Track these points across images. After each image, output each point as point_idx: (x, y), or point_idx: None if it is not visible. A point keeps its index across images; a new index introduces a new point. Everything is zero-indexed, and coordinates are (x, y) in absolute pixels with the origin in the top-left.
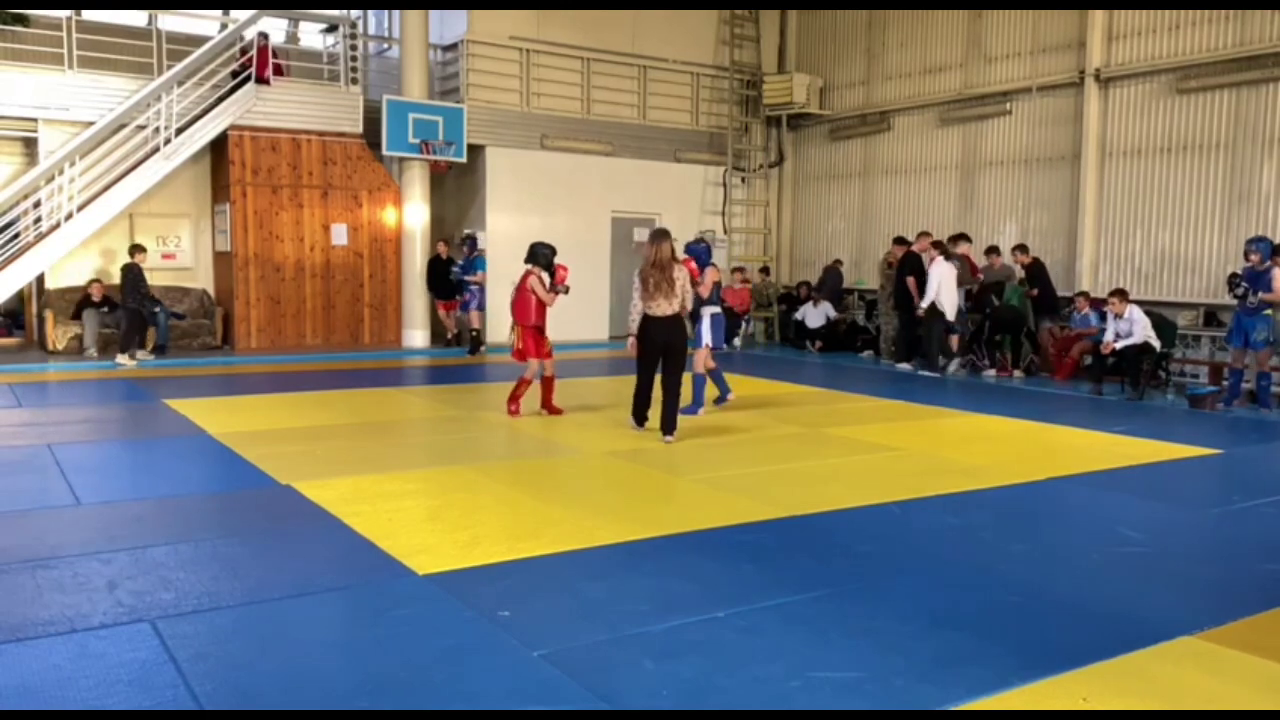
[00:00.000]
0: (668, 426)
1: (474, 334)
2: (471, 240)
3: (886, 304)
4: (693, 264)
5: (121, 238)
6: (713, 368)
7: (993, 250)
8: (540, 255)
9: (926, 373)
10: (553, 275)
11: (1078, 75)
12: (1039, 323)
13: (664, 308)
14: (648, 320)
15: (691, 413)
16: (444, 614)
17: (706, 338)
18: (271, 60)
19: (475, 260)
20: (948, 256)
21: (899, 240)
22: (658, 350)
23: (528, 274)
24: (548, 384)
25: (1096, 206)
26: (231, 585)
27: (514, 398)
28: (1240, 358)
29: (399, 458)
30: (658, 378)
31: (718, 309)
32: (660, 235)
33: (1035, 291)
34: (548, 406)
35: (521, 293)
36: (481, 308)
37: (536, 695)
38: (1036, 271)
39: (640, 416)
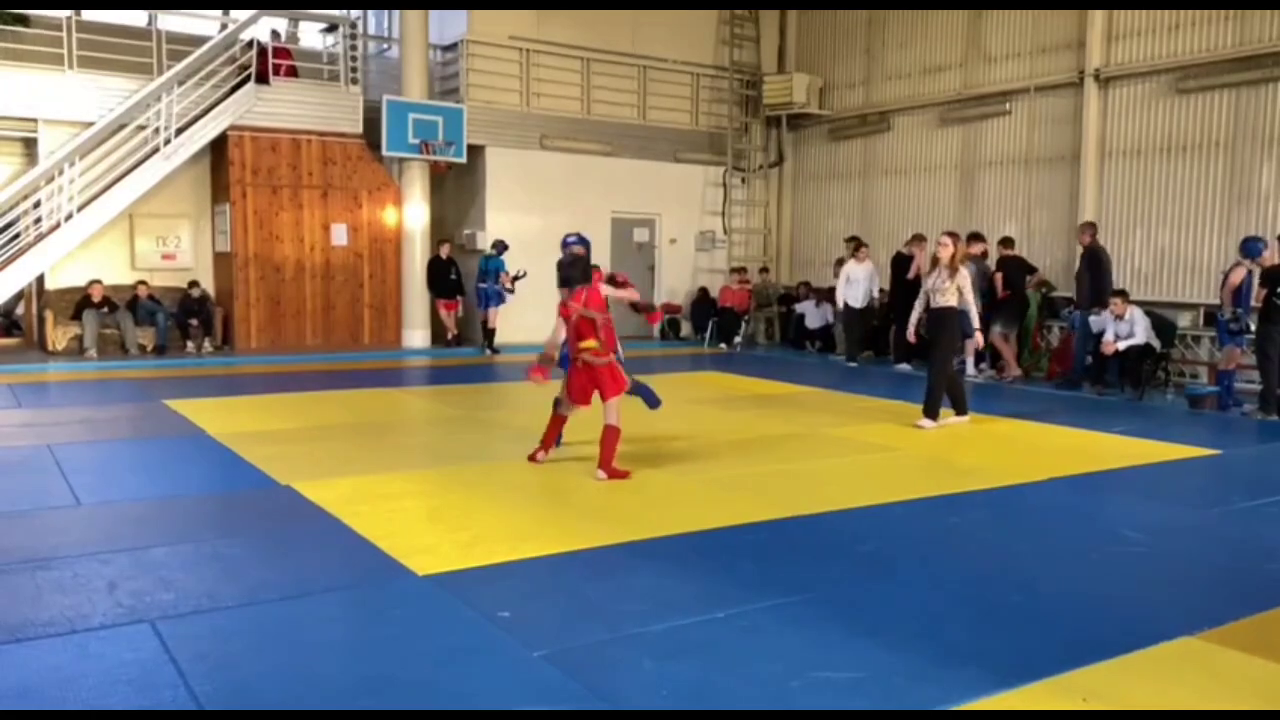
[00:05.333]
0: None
1: (492, 331)
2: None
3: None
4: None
5: (121, 238)
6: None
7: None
8: (578, 275)
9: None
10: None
11: (1077, 75)
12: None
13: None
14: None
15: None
16: (444, 614)
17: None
18: (285, 62)
19: (493, 260)
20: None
21: (852, 239)
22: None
23: (597, 295)
24: (617, 437)
25: (1096, 206)
26: (232, 586)
27: (612, 458)
28: (1238, 358)
29: (399, 458)
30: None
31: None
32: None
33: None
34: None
35: (605, 316)
36: (499, 304)
37: (536, 695)
38: (1011, 268)
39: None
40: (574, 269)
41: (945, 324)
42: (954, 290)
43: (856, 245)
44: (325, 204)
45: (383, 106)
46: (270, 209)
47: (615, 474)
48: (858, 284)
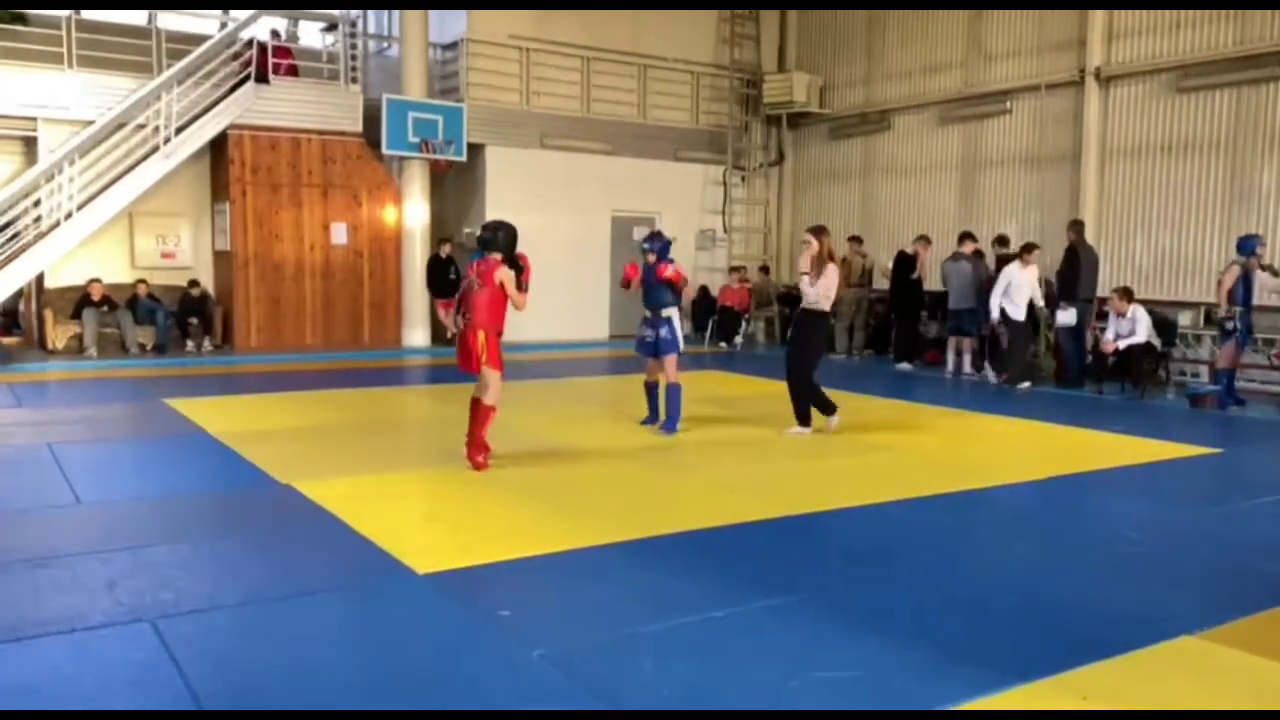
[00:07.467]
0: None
1: None
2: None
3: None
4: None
5: (121, 236)
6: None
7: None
8: (499, 241)
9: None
10: (519, 270)
11: (1078, 74)
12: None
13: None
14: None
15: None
16: (444, 614)
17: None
18: (285, 61)
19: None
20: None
21: (854, 239)
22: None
23: (494, 265)
24: (486, 415)
25: (1097, 206)
26: (231, 585)
27: (482, 441)
28: (1237, 357)
29: (399, 457)
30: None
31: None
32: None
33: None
34: (478, 446)
35: (492, 289)
36: None
37: (536, 695)
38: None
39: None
40: (496, 234)
41: (811, 327)
42: (823, 292)
43: (1028, 246)
44: (325, 203)
45: (383, 105)
46: (270, 208)
47: (474, 457)
48: (1021, 291)
